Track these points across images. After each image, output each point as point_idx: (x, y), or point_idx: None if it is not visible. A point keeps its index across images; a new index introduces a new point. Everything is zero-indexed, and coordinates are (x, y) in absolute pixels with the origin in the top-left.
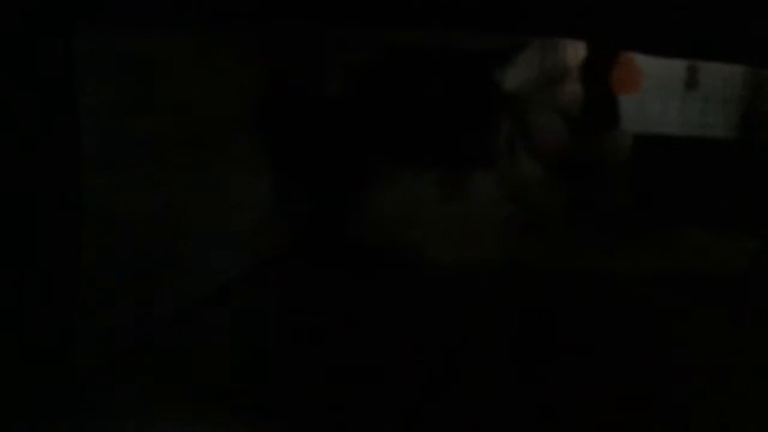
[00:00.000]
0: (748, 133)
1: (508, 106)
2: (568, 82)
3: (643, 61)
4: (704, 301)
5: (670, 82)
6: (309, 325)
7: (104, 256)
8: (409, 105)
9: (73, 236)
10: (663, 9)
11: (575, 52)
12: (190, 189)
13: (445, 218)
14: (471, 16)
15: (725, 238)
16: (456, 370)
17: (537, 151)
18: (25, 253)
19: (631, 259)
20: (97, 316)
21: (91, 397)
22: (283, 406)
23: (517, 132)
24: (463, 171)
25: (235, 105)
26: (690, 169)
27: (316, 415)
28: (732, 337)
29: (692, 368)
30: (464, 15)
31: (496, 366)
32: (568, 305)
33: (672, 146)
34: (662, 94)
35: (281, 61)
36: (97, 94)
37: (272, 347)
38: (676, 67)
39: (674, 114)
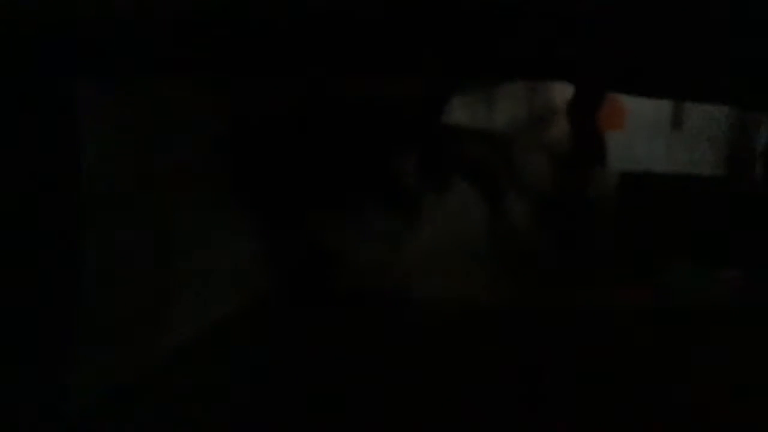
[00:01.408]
0: (734, 171)
1: (496, 145)
2: (556, 121)
3: (629, 101)
4: (689, 334)
5: (657, 121)
6: (291, 369)
7: (102, 296)
8: (357, 150)
9: (72, 275)
10: (647, 52)
11: (562, 91)
12: (179, 231)
13: (429, 258)
14: (454, 61)
15: (709, 272)
16: (440, 411)
17: (525, 190)
18: (24, 290)
19: (617, 294)
20: (93, 356)
21: None
22: None
23: (505, 170)
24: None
25: (217, 149)
26: (676, 205)
27: None
28: (716, 368)
29: (677, 401)
30: (447, 60)
31: (482, 405)
32: (554, 341)
33: (658, 183)
34: (649, 132)
35: (254, 109)
36: (97, 134)
37: (258, 389)
38: (663, 106)
39: (661, 152)
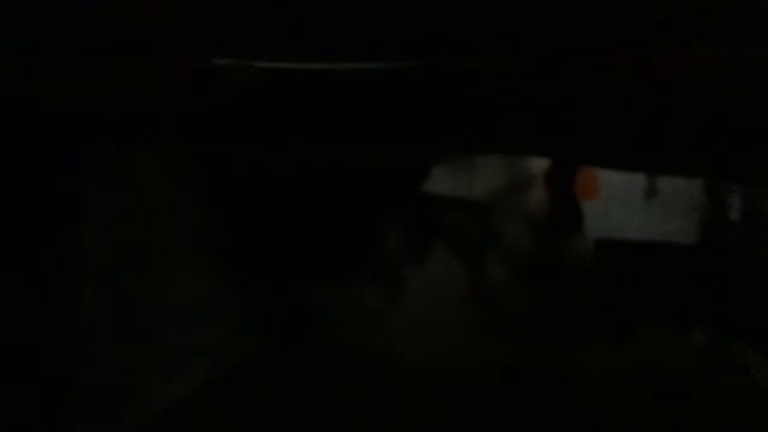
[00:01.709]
0: (708, 239)
1: (477, 213)
2: (534, 190)
3: (603, 172)
4: (661, 394)
5: (632, 191)
6: (277, 422)
7: (90, 364)
8: (342, 216)
9: (68, 348)
10: (619, 129)
11: (540, 161)
12: (166, 298)
13: (411, 321)
14: (437, 138)
15: (682, 335)
16: None
17: (504, 256)
18: (20, 360)
19: (593, 356)
20: (83, 420)
21: None
22: None
23: (485, 238)
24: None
25: (202, 220)
26: (650, 272)
27: None
28: (689, 426)
29: None
30: (429, 137)
31: None
32: (530, 401)
33: (633, 251)
34: (624, 202)
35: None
36: (94, 210)
37: None
38: (637, 177)
39: (636, 221)
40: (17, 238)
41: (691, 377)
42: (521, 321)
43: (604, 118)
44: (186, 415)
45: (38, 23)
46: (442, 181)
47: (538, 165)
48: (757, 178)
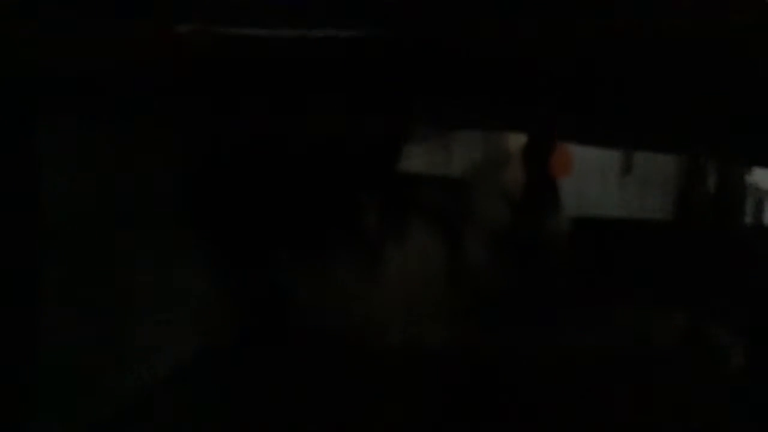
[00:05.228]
0: (684, 215)
1: (454, 190)
2: (511, 167)
3: (577, 148)
4: (639, 374)
5: (607, 168)
6: (251, 407)
7: (60, 338)
8: (309, 192)
9: (30, 315)
10: (596, 105)
11: (517, 138)
12: (135, 275)
13: (387, 300)
14: (417, 115)
15: (660, 314)
16: None
17: (481, 233)
18: None
19: (571, 336)
20: (46, 406)
21: None
22: None
23: (463, 214)
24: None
25: (173, 193)
26: (627, 249)
27: None
28: (665, 408)
29: None
30: (405, 109)
31: None
32: (508, 381)
33: (610, 228)
34: (599, 178)
35: (210, 152)
36: (56, 180)
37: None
38: (612, 153)
39: (612, 197)
40: None
41: (668, 359)
42: (500, 300)
43: (591, 91)
44: (159, 399)
45: None
46: (419, 158)
47: (516, 142)
48: (732, 153)
